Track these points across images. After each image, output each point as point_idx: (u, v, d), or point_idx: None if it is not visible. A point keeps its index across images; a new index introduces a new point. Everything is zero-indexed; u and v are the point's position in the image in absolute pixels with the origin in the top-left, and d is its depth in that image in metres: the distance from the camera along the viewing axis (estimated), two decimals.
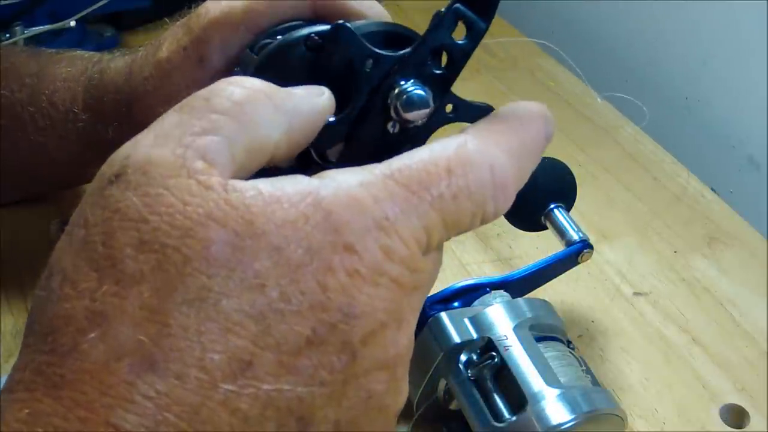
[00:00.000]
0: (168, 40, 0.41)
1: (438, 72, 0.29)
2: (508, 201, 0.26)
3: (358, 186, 0.23)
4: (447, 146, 0.25)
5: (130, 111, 0.42)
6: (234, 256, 0.21)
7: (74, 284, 0.21)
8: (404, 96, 0.28)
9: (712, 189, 0.61)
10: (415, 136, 0.29)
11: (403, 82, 0.28)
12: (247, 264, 0.21)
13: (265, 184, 0.23)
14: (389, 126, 0.29)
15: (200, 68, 0.39)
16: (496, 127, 0.28)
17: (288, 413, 0.22)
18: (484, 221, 0.26)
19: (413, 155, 0.25)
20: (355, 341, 0.22)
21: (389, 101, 0.28)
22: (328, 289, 0.22)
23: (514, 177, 0.26)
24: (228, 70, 0.39)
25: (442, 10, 0.28)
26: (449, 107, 0.30)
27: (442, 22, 0.28)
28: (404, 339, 0.24)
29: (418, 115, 0.28)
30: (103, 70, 0.44)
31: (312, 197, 0.23)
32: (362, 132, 0.29)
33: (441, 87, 0.29)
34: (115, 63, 0.44)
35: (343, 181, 0.23)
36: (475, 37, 0.28)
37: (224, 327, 0.21)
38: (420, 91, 0.28)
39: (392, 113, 0.28)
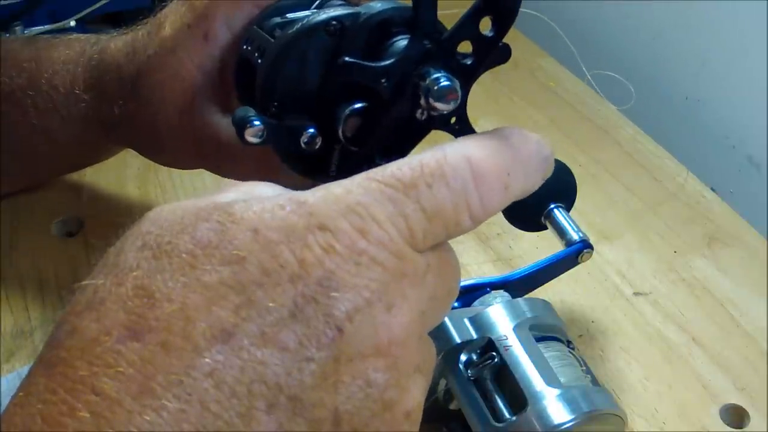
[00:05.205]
0: (170, 17, 0.41)
1: (465, 62, 0.29)
2: (494, 194, 0.26)
3: (335, 185, 0.24)
4: (424, 152, 0.26)
5: (135, 88, 0.42)
6: (216, 236, 0.23)
7: (83, 287, 0.23)
8: (435, 87, 0.29)
9: (712, 189, 0.61)
10: (440, 123, 0.31)
11: (433, 72, 0.29)
12: (227, 241, 0.23)
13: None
14: (418, 113, 0.30)
15: (206, 44, 0.40)
16: (478, 135, 0.28)
17: (277, 390, 0.21)
18: (474, 215, 0.25)
19: (392, 163, 0.25)
20: (339, 315, 0.22)
21: (419, 91, 0.29)
22: (305, 263, 0.22)
23: (497, 170, 0.26)
24: (234, 45, 0.39)
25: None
26: (453, 119, 0.31)
27: (471, 16, 0.29)
28: (397, 325, 0.23)
29: (446, 105, 0.29)
30: (103, 49, 0.45)
31: (290, 194, 0.24)
32: (390, 117, 0.30)
33: (467, 77, 0.30)
34: (115, 42, 0.44)
35: (324, 187, 0.25)
36: (501, 30, 0.29)
37: (207, 298, 0.22)
38: (449, 82, 0.29)
39: (422, 102, 0.29)
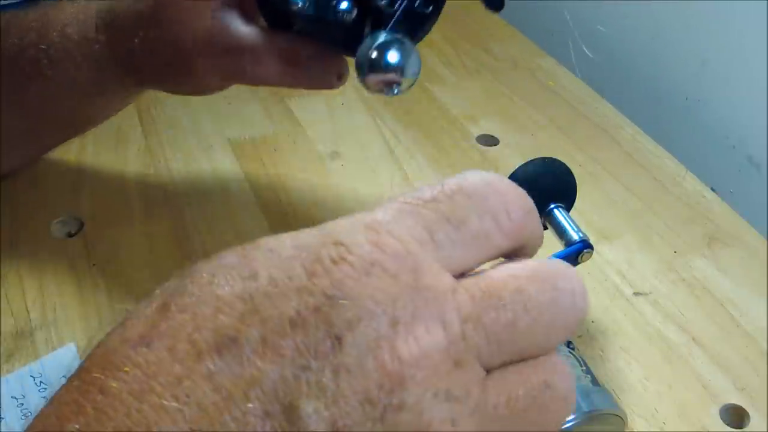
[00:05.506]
0: None
1: None
2: (518, 209, 0.25)
3: (358, 214, 0.24)
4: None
5: (155, 15, 0.44)
6: (238, 259, 0.24)
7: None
8: None
9: (712, 189, 0.61)
10: None
11: None
12: (246, 262, 0.23)
13: None
14: None
15: None
16: None
17: (273, 397, 0.21)
18: (502, 225, 0.24)
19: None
20: (340, 325, 0.22)
21: None
22: (314, 275, 0.22)
23: (516, 191, 0.25)
24: None
25: None
26: None
27: None
28: (403, 342, 0.22)
29: None
30: None
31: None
32: None
33: None
34: None
35: (348, 215, 0.25)
36: None
37: (216, 307, 0.22)
38: None
39: None
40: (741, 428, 0.42)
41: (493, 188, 0.25)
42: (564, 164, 0.47)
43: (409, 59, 0.34)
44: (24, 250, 0.51)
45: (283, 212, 0.55)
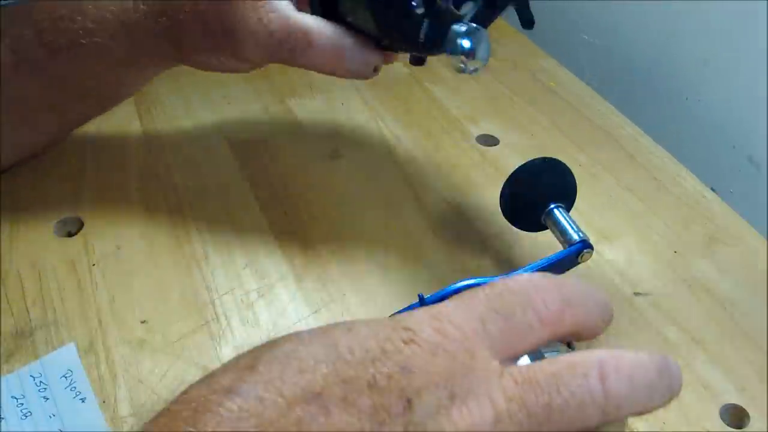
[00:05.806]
0: None
1: None
2: (554, 301, 0.29)
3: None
4: None
5: None
6: (318, 335, 0.27)
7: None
8: None
9: (712, 189, 0.61)
10: None
11: None
12: (326, 337, 0.27)
13: None
14: None
15: None
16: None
17: None
18: (540, 317, 0.28)
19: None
20: (410, 390, 0.25)
21: None
22: (386, 351, 0.26)
23: (554, 284, 0.29)
24: None
25: None
26: None
27: None
28: (457, 414, 0.25)
29: None
30: None
31: None
32: None
33: None
34: None
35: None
36: None
37: (300, 368, 0.26)
38: None
39: None
40: (741, 428, 0.42)
41: (533, 285, 0.29)
42: (564, 164, 0.47)
43: (480, 45, 0.42)
44: (24, 250, 0.51)
45: (283, 212, 0.55)
